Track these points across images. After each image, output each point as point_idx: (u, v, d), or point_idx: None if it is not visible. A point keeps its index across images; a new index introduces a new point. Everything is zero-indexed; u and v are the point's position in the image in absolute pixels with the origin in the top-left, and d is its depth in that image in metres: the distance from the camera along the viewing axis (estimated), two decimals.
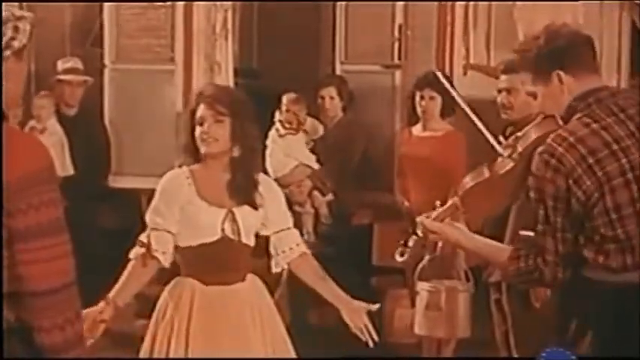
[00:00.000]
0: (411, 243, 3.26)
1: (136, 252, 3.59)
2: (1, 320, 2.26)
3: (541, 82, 2.96)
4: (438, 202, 3.20)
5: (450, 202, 3.21)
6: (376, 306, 3.63)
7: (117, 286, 3.56)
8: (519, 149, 3.12)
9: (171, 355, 3.49)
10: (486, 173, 3.25)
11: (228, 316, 3.54)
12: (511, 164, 3.17)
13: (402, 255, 3.31)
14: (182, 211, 3.56)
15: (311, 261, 3.76)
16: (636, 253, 2.80)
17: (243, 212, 3.58)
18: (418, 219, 3.23)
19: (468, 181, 3.29)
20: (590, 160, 2.78)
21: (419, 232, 3.22)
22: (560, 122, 2.99)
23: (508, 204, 3.74)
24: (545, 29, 2.99)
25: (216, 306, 3.54)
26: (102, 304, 3.46)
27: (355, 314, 3.63)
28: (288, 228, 3.74)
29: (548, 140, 2.85)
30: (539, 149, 2.87)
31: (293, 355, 3.66)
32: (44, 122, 6.32)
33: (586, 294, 2.87)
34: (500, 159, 3.27)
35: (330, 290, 3.70)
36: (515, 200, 3.66)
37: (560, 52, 2.91)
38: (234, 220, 3.55)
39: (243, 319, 3.55)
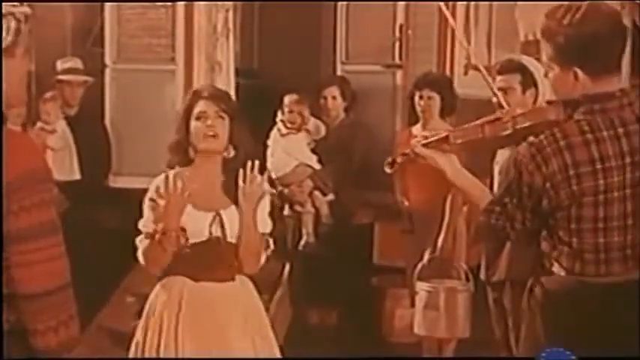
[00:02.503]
0: (399, 160, 3.24)
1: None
2: (1, 321, 2.26)
3: (557, 63, 2.84)
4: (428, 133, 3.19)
5: (443, 134, 3.15)
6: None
7: None
8: (517, 126, 3.08)
9: (162, 350, 3.50)
10: (479, 133, 3.17)
11: (215, 312, 3.55)
12: (507, 132, 3.10)
13: (391, 167, 3.28)
14: None
15: None
16: (585, 264, 2.82)
17: (231, 213, 3.57)
18: (412, 141, 3.17)
19: (459, 136, 3.19)
20: (571, 172, 2.77)
21: (409, 151, 3.19)
22: (562, 109, 2.93)
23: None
24: (584, 13, 2.77)
25: (204, 301, 3.55)
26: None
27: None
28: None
29: (542, 135, 2.83)
30: (531, 139, 2.85)
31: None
32: (53, 124, 6.31)
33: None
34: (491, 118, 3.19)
35: None
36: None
37: (584, 50, 2.78)
38: (221, 223, 3.55)
39: (229, 316, 3.56)
